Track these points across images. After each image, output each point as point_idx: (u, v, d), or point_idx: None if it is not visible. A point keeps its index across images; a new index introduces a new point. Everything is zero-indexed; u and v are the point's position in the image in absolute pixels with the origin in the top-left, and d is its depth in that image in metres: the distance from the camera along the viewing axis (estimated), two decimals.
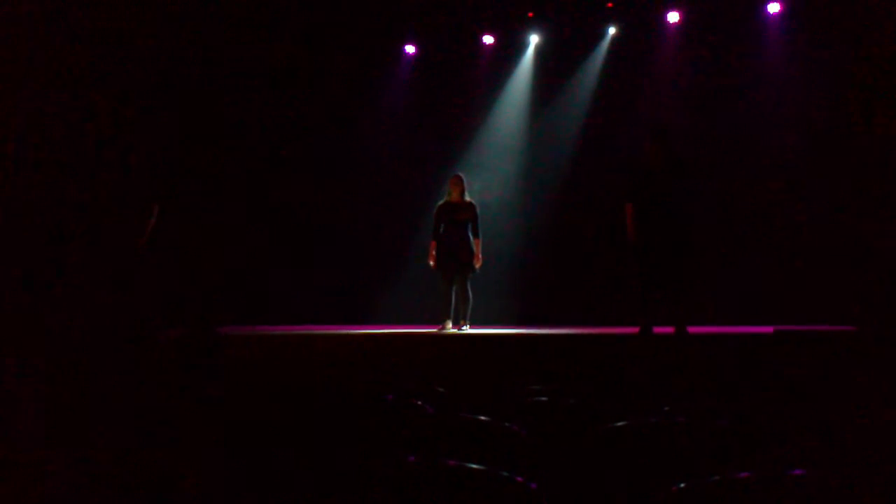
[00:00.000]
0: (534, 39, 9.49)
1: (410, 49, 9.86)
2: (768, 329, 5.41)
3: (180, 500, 1.62)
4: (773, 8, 8.47)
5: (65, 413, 2.42)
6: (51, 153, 7.30)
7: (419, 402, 2.49)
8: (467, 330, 7.05)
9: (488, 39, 9.64)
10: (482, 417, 2.17)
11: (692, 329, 5.85)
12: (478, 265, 7.19)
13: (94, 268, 6.48)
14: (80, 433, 2.05)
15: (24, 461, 1.71)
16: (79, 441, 1.89)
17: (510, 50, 9.59)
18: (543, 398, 2.72)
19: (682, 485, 1.55)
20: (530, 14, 9.38)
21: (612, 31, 9.15)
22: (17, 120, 7.14)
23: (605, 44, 9.19)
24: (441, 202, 7.32)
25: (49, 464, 1.69)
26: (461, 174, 7.45)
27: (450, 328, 7.10)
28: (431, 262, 7.25)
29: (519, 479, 1.60)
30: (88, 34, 7.42)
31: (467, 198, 7.28)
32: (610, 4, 9.05)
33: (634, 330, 5.91)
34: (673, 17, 8.85)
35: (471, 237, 7.19)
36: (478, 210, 7.27)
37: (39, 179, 7.27)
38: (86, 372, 3.51)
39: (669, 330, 5.82)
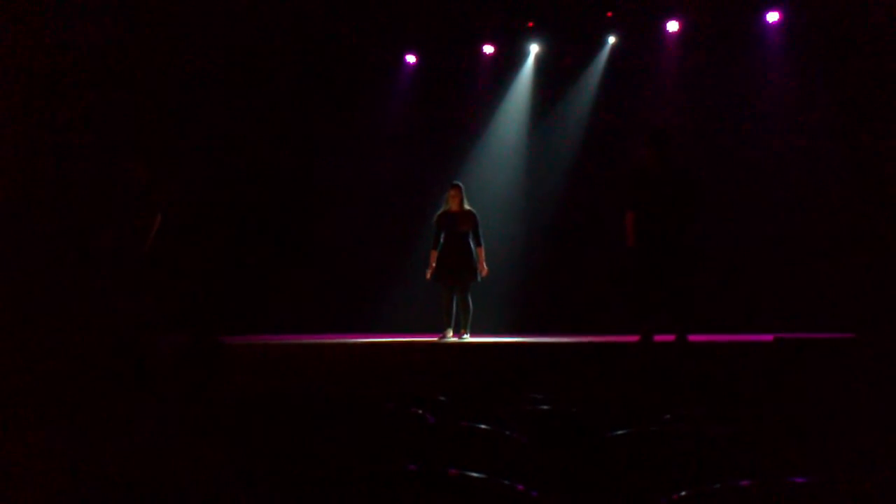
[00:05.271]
0: (534, 49, 9.52)
1: (411, 59, 9.89)
2: (769, 337, 5.41)
3: None
4: (772, 17, 8.50)
5: (65, 418, 2.42)
6: (54, 161, 7.33)
7: (420, 411, 2.49)
8: (468, 339, 7.03)
9: (488, 49, 9.67)
10: (483, 426, 2.17)
11: (692, 337, 5.85)
12: (484, 274, 7.15)
13: (97, 275, 6.49)
14: (81, 438, 2.05)
15: (24, 465, 1.71)
16: (79, 445, 1.89)
17: (510, 59, 9.61)
18: (545, 406, 2.73)
19: (684, 493, 1.55)
20: (530, 24, 9.41)
21: (611, 40, 9.18)
22: (21, 128, 7.17)
23: (604, 53, 9.22)
24: (440, 211, 7.26)
25: (49, 467, 1.69)
26: (460, 183, 7.35)
27: (451, 337, 7.09)
28: (428, 273, 7.21)
29: (520, 487, 1.60)
30: (92, 43, 7.46)
31: (467, 206, 7.23)
32: (609, 14, 9.08)
33: (635, 338, 5.91)
34: (672, 26, 8.87)
35: (472, 247, 7.14)
36: (478, 218, 7.23)
37: (43, 187, 7.30)
38: (87, 378, 3.51)
39: (670, 338, 5.81)
